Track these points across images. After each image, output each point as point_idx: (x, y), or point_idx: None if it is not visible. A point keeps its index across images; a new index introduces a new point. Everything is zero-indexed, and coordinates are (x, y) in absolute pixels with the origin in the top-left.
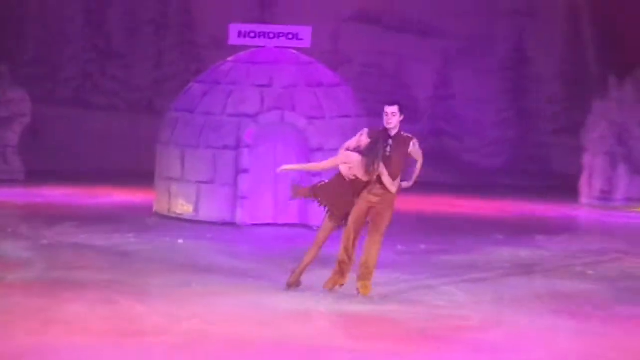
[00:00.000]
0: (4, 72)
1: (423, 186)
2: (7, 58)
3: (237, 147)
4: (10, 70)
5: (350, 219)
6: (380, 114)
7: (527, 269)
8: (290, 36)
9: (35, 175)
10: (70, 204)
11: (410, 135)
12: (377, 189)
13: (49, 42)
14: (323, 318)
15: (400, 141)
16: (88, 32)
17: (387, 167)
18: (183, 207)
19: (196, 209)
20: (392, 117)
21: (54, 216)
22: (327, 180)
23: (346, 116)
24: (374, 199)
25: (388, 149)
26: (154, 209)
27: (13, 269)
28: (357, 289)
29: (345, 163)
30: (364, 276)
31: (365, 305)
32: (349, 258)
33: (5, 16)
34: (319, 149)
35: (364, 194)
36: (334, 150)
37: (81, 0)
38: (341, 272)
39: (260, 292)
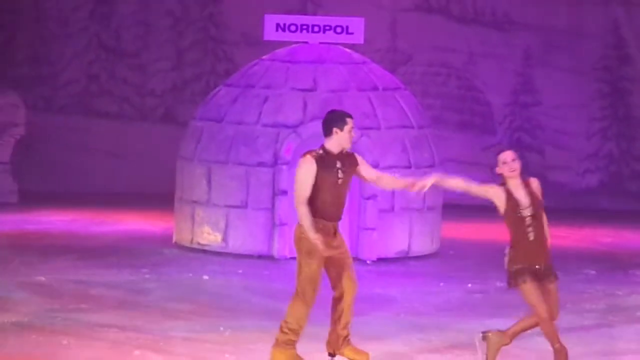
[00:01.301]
0: None
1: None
2: None
3: (275, 164)
4: (1, 71)
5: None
6: (445, 122)
7: (625, 313)
8: (339, 30)
9: (30, 198)
10: (71, 232)
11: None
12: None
13: (47, 38)
14: None
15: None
16: (93, 26)
17: (339, 196)
18: (209, 237)
19: (225, 239)
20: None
21: (53, 247)
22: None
23: (407, 126)
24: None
25: (340, 174)
26: (174, 238)
27: (4, 311)
28: None
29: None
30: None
31: (437, 355)
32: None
33: None
34: (374, 167)
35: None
36: (392, 168)
37: None
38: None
39: (303, 339)
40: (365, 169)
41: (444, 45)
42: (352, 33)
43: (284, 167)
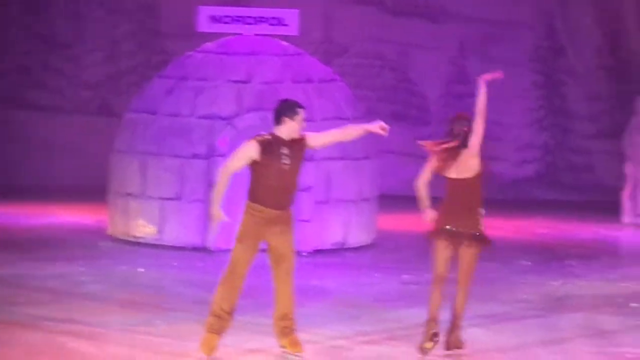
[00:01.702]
0: None
1: (436, 202)
2: None
3: (209, 156)
4: None
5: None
6: (380, 114)
7: (559, 302)
8: (274, 22)
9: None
10: (5, 225)
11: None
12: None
13: None
14: None
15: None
16: (27, 17)
17: (285, 183)
18: (144, 229)
19: (160, 231)
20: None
21: None
22: None
23: (341, 118)
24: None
25: (286, 159)
26: (109, 231)
27: None
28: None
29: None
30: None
31: (374, 346)
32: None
33: None
34: (309, 159)
35: None
36: (328, 160)
37: None
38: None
39: (238, 332)
40: (315, 139)
41: (379, 37)
42: (286, 25)
43: (219, 159)
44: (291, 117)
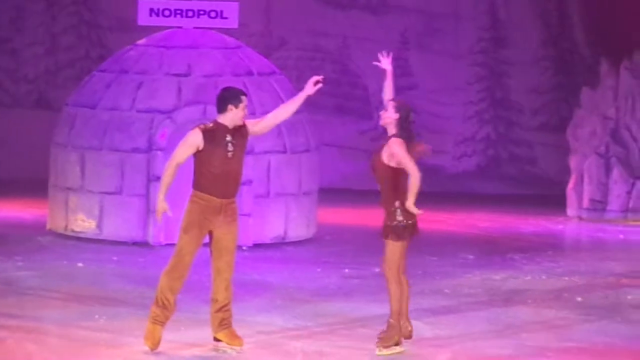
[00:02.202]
0: None
1: (377, 196)
2: None
3: (149, 149)
4: None
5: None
6: (321, 107)
7: (503, 296)
8: (213, 14)
9: None
10: None
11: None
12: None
13: None
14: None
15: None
16: None
17: (230, 171)
18: (83, 224)
19: (99, 226)
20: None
21: None
22: None
23: None
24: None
25: (230, 147)
26: (48, 225)
27: None
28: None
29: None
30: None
31: (313, 341)
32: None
33: None
34: (249, 152)
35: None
36: (267, 153)
37: None
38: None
39: (178, 327)
40: (256, 125)
41: (319, 29)
42: (226, 18)
43: (159, 152)
44: (236, 105)
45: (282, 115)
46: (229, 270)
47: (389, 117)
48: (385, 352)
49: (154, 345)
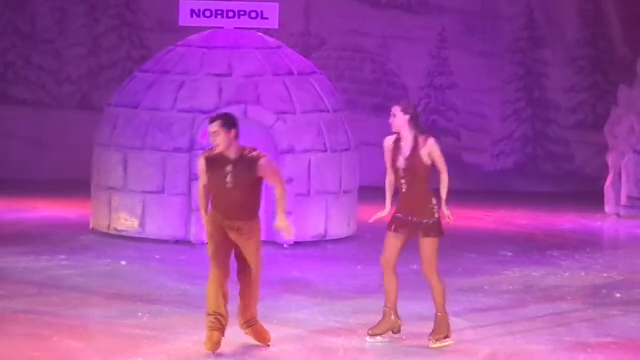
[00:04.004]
0: None
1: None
2: None
3: (191, 149)
4: None
5: None
6: (360, 106)
7: (542, 293)
8: (254, 15)
9: None
10: None
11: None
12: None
13: None
14: (297, 355)
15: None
16: (8, 12)
17: (230, 199)
18: (126, 222)
19: (142, 225)
20: (216, 136)
21: None
22: None
23: (322, 110)
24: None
25: (229, 178)
26: (91, 224)
27: None
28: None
29: None
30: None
31: (354, 337)
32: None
33: None
34: (289, 151)
35: None
36: (308, 152)
37: None
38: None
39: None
40: (267, 177)
41: (358, 29)
42: (266, 18)
43: (200, 152)
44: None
45: (277, 193)
46: (253, 283)
47: (400, 119)
48: (437, 344)
49: (213, 347)
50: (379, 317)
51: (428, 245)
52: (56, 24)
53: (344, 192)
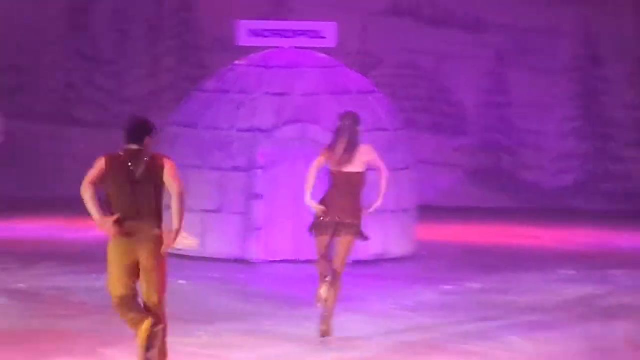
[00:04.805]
0: None
1: (474, 212)
2: None
3: (250, 168)
4: None
5: None
6: (417, 124)
7: (603, 312)
8: (312, 34)
9: (10, 205)
10: (50, 239)
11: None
12: None
13: (25, 48)
14: None
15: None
16: (71, 35)
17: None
18: (185, 241)
19: (201, 243)
20: None
21: (31, 255)
22: None
23: (381, 129)
24: None
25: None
26: None
27: None
28: None
29: None
30: None
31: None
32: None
33: None
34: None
35: None
36: (367, 171)
37: None
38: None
39: (281, 343)
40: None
41: (415, 47)
42: (324, 37)
43: (259, 171)
44: (152, 137)
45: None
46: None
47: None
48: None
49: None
50: (438, 335)
51: (350, 245)
52: (117, 45)
53: (403, 210)
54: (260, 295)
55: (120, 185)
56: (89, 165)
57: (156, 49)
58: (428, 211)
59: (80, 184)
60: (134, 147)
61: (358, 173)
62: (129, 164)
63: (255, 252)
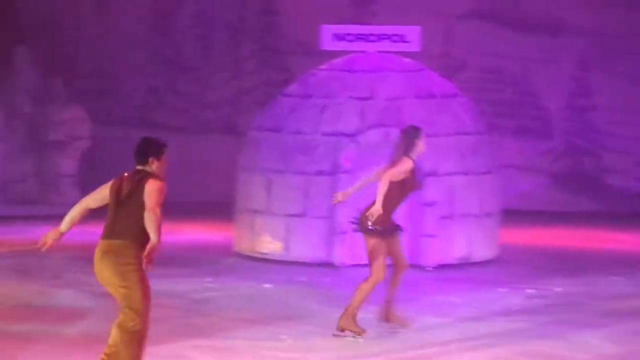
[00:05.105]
0: (58, 86)
1: (558, 216)
2: (60, 70)
3: (334, 172)
4: (65, 85)
5: None
6: (501, 128)
7: None
8: (395, 38)
9: (94, 210)
10: None
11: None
12: None
13: (109, 53)
14: None
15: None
16: (154, 40)
17: None
18: (270, 245)
19: (286, 247)
20: None
21: None
22: None
23: (464, 133)
24: None
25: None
26: (235, 247)
27: (71, 321)
28: None
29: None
30: None
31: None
32: None
33: (58, 21)
34: (432, 174)
35: None
36: (450, 175)
37: (147, 3)
38: None
39: (365, 346)
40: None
41: (498, 51)
42: (408, 41)
43: (343, 175)
44: (158, 158)
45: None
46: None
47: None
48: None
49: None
50: (521, 338)
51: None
52: (200, 50)
53: (486, 214)
54: (344, 299)
55: (110, 205)
56: (172, 169)
57: (238, 53)
58: (511, 215)
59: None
60: (139, 167)
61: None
62: (124, 184)
63: (339, 255)
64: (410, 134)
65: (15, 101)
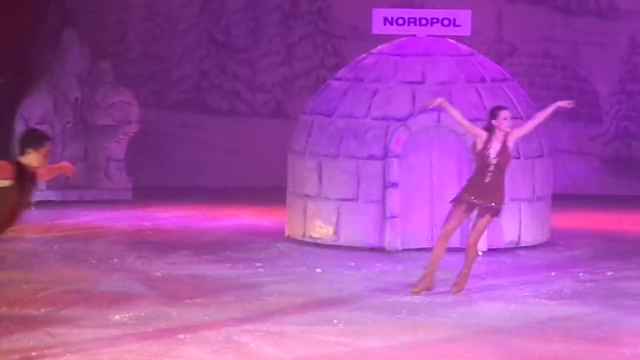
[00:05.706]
0: (107, 70)
1: (608, 200)
2: (109, 54)
3: (385, 156)
4: (114, 69)
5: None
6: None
7: None
8: (446, 22)
9: (144, 194)
10: (185, 228)
11: None
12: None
13: (158, 36)
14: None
15: None
16: (203, 22)
17: None
18: (321, 230)
19: (337, 232)
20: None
21: (167, 243)
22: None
23: (514, 117)
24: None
25: None
26: (286, 232)
27: (121, 306)
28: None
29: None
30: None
31: (549, 344)
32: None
33: (106, 4)
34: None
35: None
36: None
37: None
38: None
39: (417, 330)
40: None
41: (549, 36)
42: (459, 25)
43: (394, 159)
44: (36, 149)
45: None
46: None
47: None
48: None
49: None
50: (573, 323)
51: (486, 222)
52: (250, 33)
53: (538, 198)
54: (395, 284)
55: None
56: (223, 153)
57: (290, 37)
58: (562, 199)
59: (213, 171)
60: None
61: None
62: None
63: (390, 240)
64: (489, 114)
65: (64, 85)
